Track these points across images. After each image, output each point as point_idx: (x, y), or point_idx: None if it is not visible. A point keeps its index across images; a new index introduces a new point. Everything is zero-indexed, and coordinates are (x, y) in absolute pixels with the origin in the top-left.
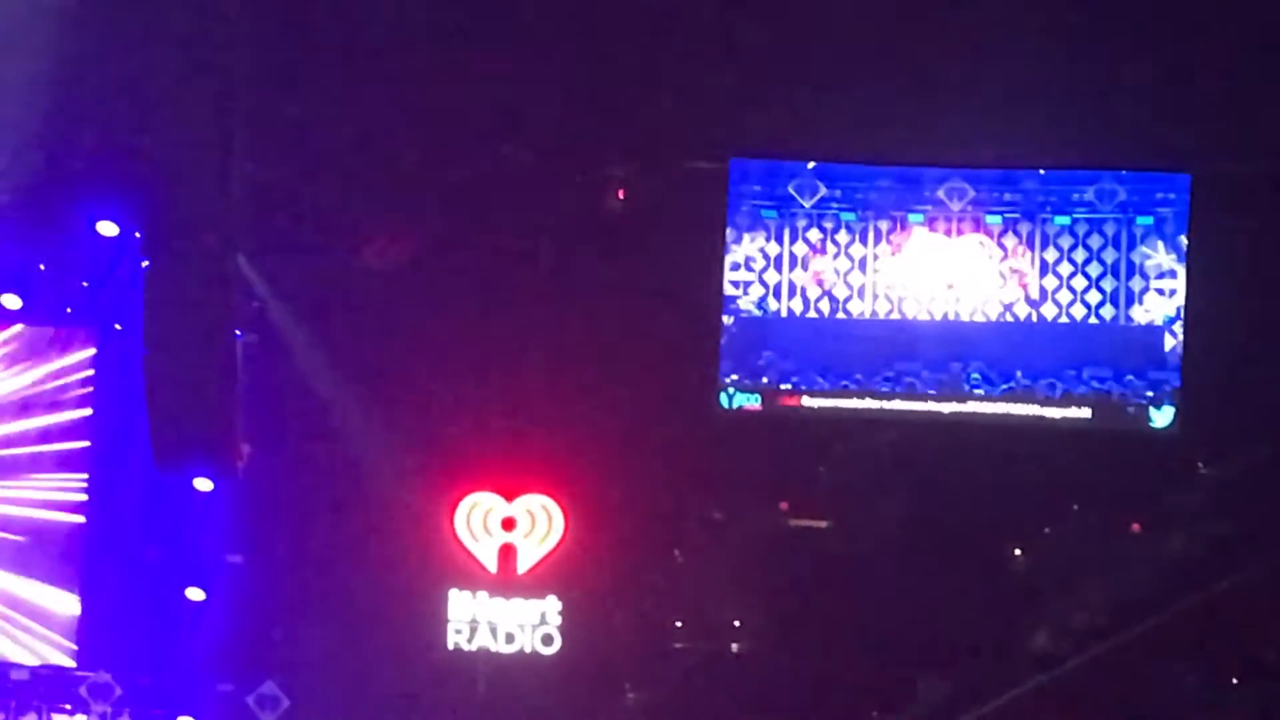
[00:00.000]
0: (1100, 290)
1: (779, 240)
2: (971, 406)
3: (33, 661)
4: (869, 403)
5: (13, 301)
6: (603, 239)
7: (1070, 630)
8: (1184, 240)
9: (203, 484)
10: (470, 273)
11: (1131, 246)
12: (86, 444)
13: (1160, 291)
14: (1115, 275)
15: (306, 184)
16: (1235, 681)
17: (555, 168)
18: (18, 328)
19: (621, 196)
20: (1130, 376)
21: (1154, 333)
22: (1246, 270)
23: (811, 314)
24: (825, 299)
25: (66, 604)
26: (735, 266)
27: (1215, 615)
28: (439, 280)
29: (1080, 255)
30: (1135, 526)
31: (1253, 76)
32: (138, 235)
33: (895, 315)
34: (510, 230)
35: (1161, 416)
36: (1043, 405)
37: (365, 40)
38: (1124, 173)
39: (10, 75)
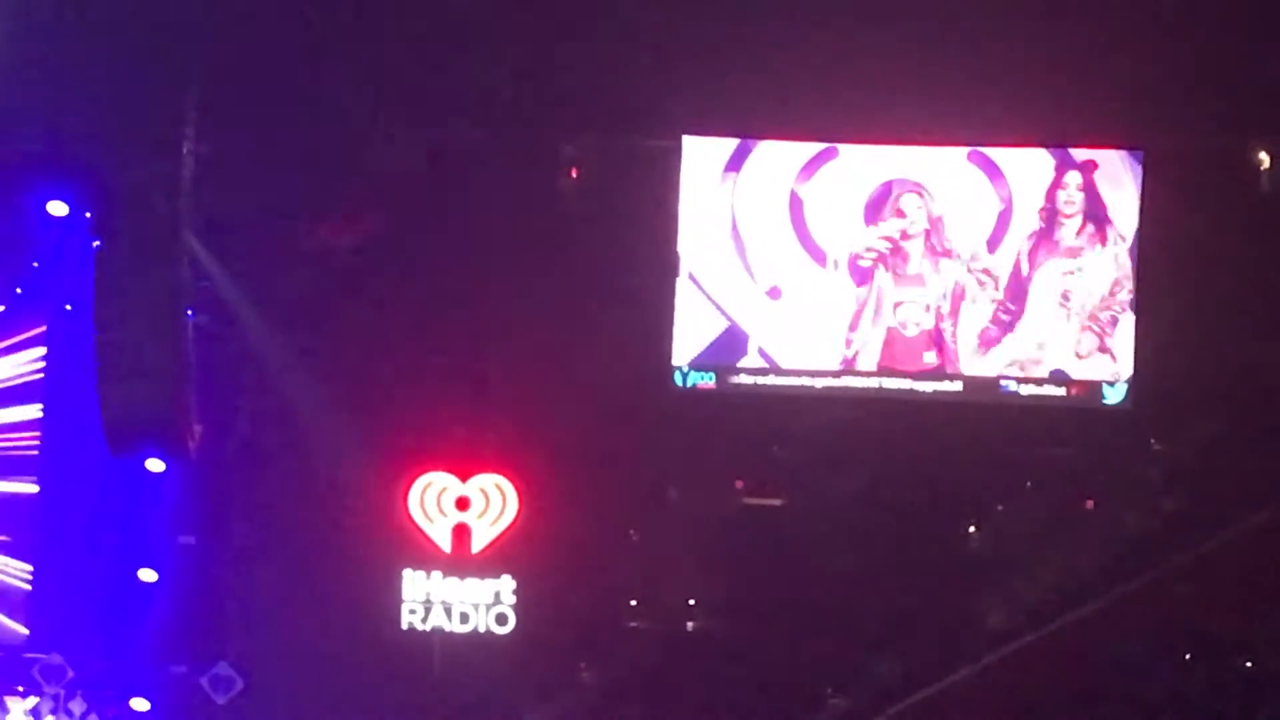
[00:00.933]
0: None
1: None
2: (924, 385)
3: None
4: (823, 381)
5: None
6: (556, 218)
7: (1024, 607)
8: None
9: (155, 465)
10: (423, 252)
11: None
12: (38, 419)
13: None
14: None
15: (258, 163)
16: (1188, 657)
17: (508, 147)
18: None
19: (574, 175)
20: None
21: None
22: (1198, 247)
23: None
24: None
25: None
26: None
27: (1168, 591)
28: (391, 259)
29: None
30: (1089, 503)
31: (1207, 53)
32: (88, 215)
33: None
34: (463, 210)
35: (1114, 393)
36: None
37: (318, 19)
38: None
39: None
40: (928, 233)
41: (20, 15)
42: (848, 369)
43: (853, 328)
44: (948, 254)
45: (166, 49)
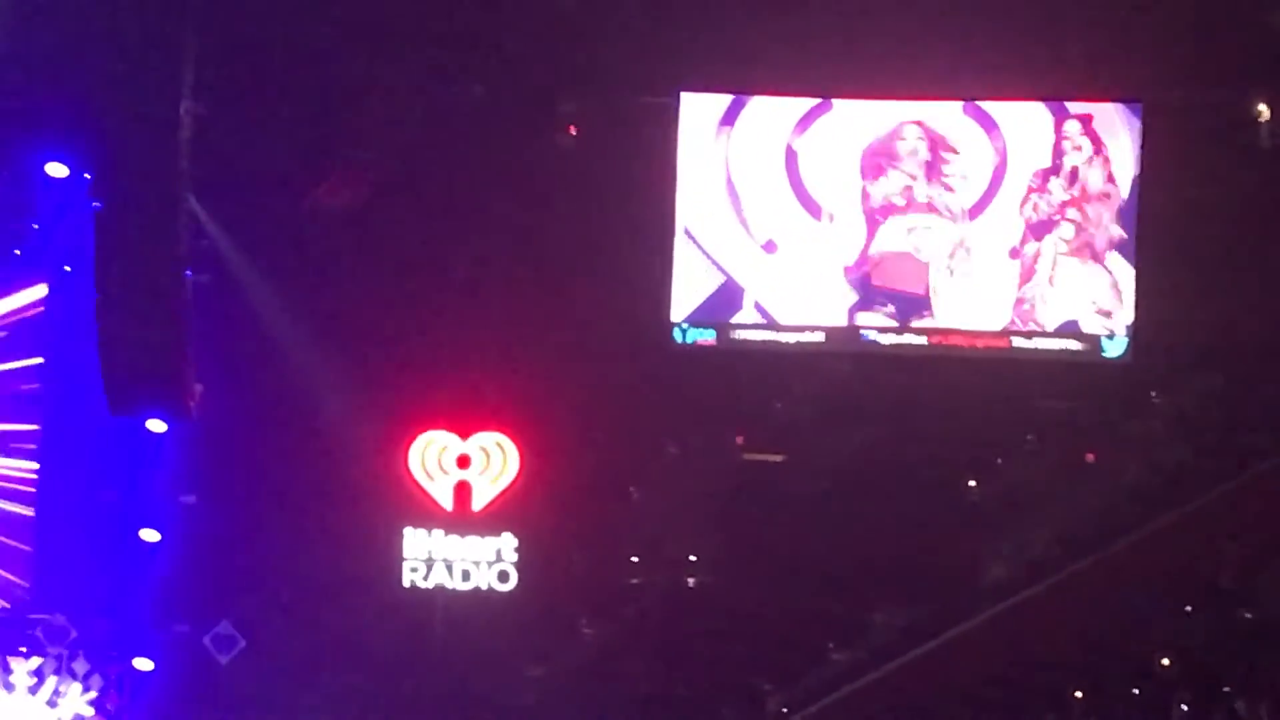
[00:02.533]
0: None
1: None
2: (924, 340)
3: None
4: (822, 336)
5: None
6: (555, 175)
7: (1025, 560)
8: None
9: (156, 425)
10: (422, 211)
11: None
12: (38, 383)
13: None
14: None
15: (258, 123)
16: (1190, 608)
17: (506, 105)
18: None
19: (572, 132)
20: None
21: None
22: (1197, 200)
23: None
24: None
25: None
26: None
27: (1169, 543)
28: (391, 218)
29: None
30: (1089, 456)
31: (1205, 5)
32: (88, 176)
33: None
34: (462, 168)
35: (1114, 346)
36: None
37: None
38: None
39: None
40: (928, 165)
41: None
42: (847, 325)
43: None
44: (950, 189)
45: (165, 10)
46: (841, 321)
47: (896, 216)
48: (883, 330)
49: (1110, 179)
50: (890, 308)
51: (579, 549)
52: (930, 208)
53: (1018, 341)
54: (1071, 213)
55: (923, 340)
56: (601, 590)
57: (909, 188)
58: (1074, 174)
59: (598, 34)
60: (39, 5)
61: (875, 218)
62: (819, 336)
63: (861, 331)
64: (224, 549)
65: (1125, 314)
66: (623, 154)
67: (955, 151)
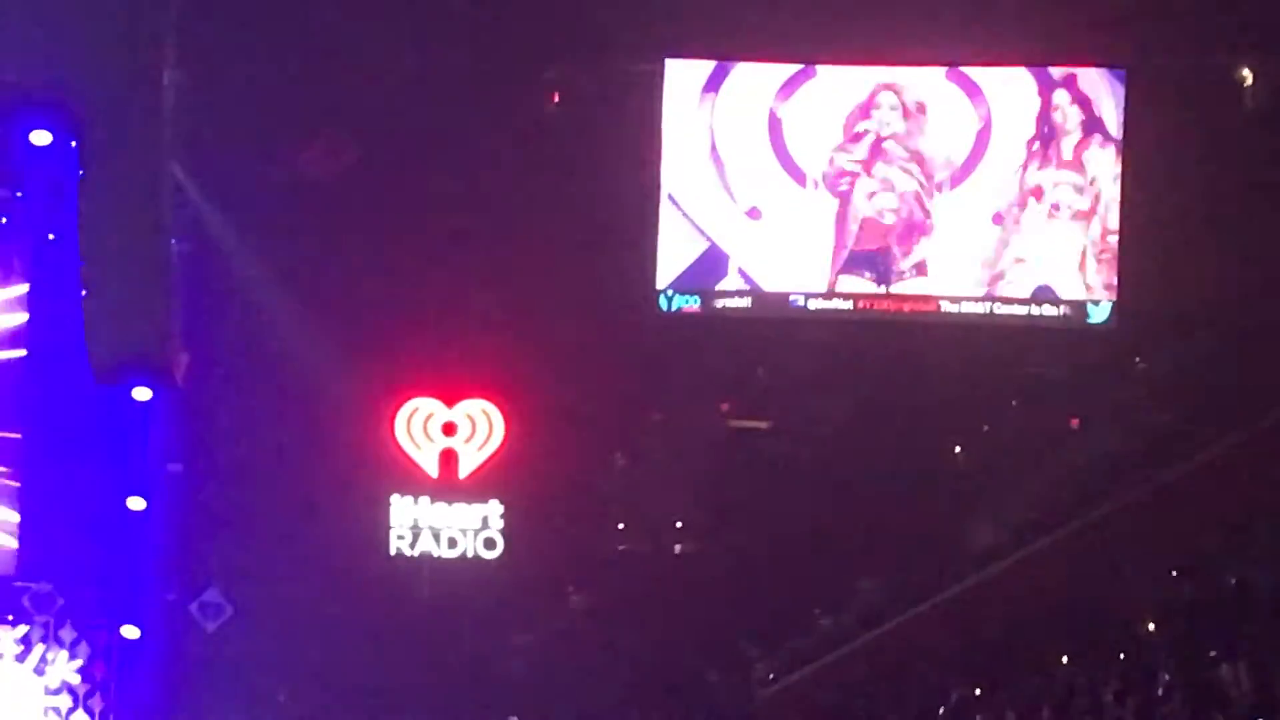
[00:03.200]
0: None
1: None
2: (910, 305)
3: None
4: (810, 303)
5: None
6: (539, 142)
7: (1011, 526)
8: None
9: (141, 393)
10: (406, 178)
11: None
12: (23, 353)
13: None
14: None
15: (241, 91)
16: (1175, 574)
17: (490, 72)
18: None
19: (556, 100)
20: None
21: None
22: (1181, 166)
23: None
24: None
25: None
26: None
27: (1154, 509)
28: (375, 185)
29: None
30: (1074, 422)
31: None
32: (73, 144)
33: None
34: (447, 135)
35: (1099, 312)
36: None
37: None
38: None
39: None
40: (906, 129)
41: None
42: (831, 291)
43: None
44: (921, 160)
45: None
46: (825, 288)
47: (875, 181)
48: (865, 296)
49: (1095, 145)
50: (872, 274)
51: (565, 516)
52: (909, 173)
53: (1002, 309)
54: (1056, 177)
55: (905, 306)
56: (588, 557)
57: (886, 152)
58: (1058, 140)
59: (581, 2)
60: None
61: (853, 183)
62: (803, 302)
63: (844, 297)
64: (211, 517)
65: (1109, 280)
66: (607, 121)
67: (929, 118)
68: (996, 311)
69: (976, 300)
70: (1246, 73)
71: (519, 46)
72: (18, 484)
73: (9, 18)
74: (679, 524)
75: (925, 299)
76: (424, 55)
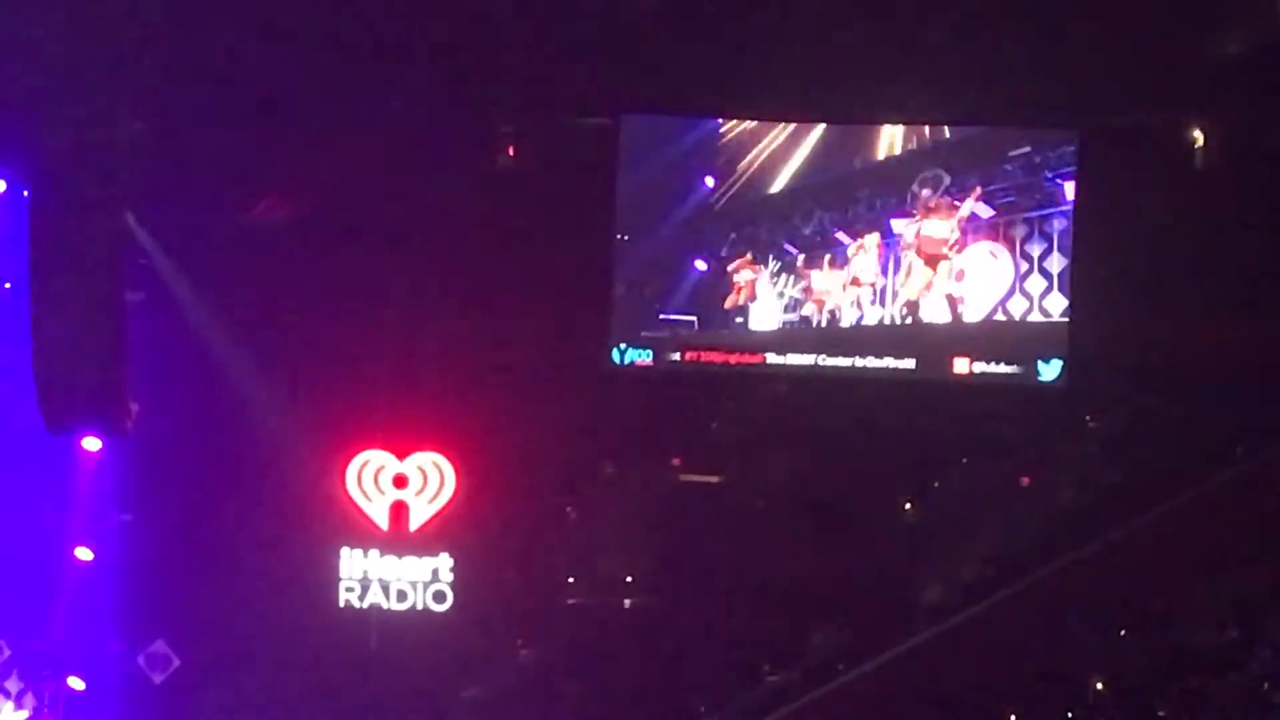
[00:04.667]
0: None
1: None
2: (861, 361)
3: None
4: (760, 357)
5: None
6: (494, 195)
7: (960, 582)
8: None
9: (91, 443)
10: (360, 230)
11: None
12: None
13: None
14: None
15: (193, 140)
16: (1123, 633)
17: (445, 124)
18: None
19: (512, 153)
20: None
21: None
22: (1132, 225)
23: None
24: None
25: None
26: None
27: (1103, 566)
28: (328, 236)
29: None
30: (1024, 480)
31: (1139, 31)
32: (26, 193)
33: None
34: (401, 187)
35: (1049, 370)
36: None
37: None
38: None
39: None
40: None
41: None
42: (781, 342)
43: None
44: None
45: (106, 25)
46: (778, 341)
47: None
48: (816, 350)
49: (1047, 202)
50: (821, 327)
51: (515, 569)
52: (856, 229)
53: (956, 365)
54: (1008, 231)
55: (854, 361)
56: (538, 610)
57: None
58: (1010, 195)
59: (539, 55)
60: None
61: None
62: (756, 357)
63: (796, 352)
64: (159, 568)
65: (1060, 338)
66: (561, 175)
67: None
68: (951, 370)
69: (931, 355)
70: (1198, 132)
71: (474, 100)
72: None
73: None
74: (629, 578)
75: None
76: (378, 107)
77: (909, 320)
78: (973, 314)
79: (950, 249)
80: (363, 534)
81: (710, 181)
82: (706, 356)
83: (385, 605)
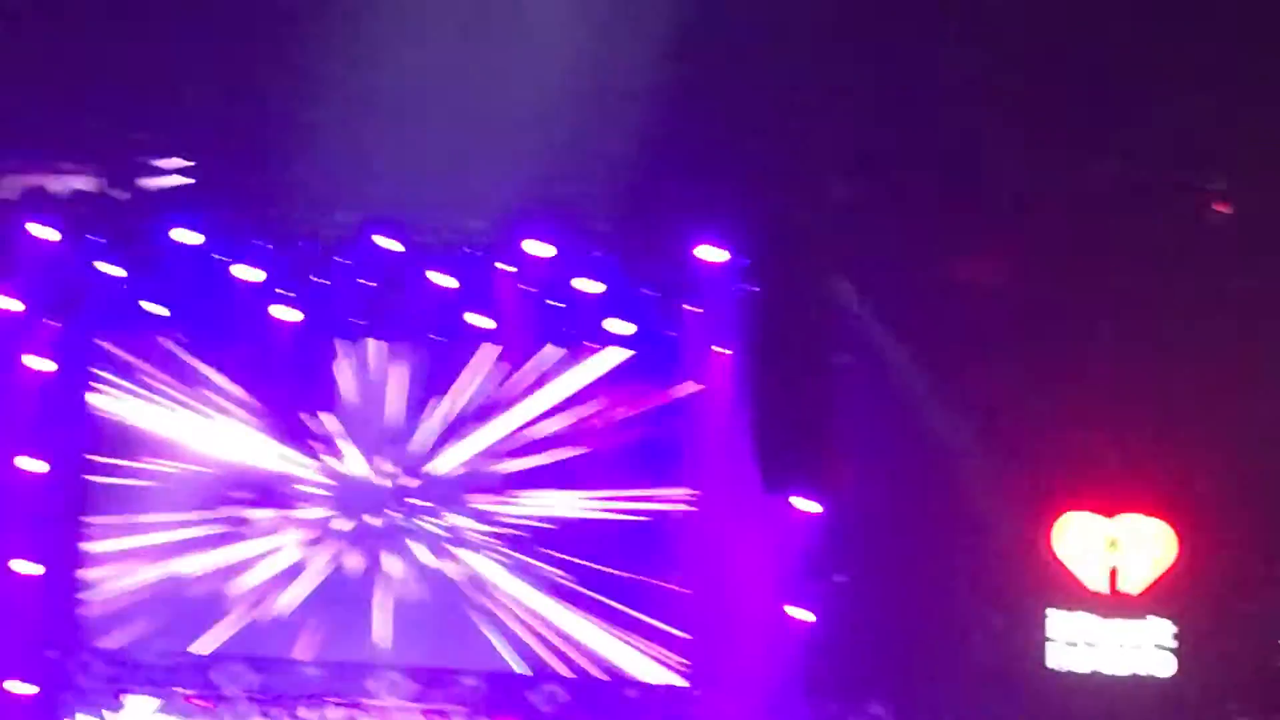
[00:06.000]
0: None
1: None
2: None
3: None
4: None
5: (625, 327)
6: (1207, 250)
7: None
8: None
9: (807, 505)
10: (1064, 283)
11: None
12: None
13: None
14: None
15: (897, 202)
16: None
17: (1145, 182)
18: (625, 353)
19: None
20: None
21: None
22: None
23: None
24: None
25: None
26: None
27: None
28: (1035, 296)
29: None
30: None
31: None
32: (745, 261)
33: None
34: (1108, 240)
35: None
36: None
37: None
38: None
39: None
40: None
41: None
42: None
43: None
44: None
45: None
46: None
47: None
48: None
49: None
50: None
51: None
52: None
53: None
54: None
55: None
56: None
57: None
58: None
59: None
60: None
61: None
62: None
63: None
64: (872, 629)
65: None
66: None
67: None
68: None
69: None
70: None
71: (1184, 156)
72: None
73: (685, 134)
74: None
75: None
76: (1078, 166)
77: None
78: None
79: None
80: (1073, 595)
81: None
82: None
83: (1103, 669)
